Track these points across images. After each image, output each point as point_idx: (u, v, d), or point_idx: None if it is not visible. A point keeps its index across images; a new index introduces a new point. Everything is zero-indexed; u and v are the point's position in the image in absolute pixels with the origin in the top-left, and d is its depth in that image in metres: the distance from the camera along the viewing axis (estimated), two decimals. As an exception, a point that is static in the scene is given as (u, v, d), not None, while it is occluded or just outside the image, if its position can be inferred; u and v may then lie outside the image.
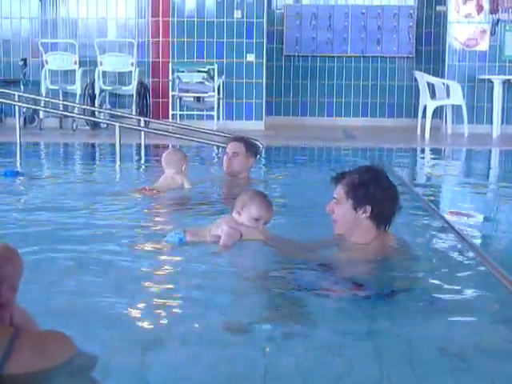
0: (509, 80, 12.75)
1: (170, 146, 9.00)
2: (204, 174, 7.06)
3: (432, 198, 6.50)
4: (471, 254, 4.16)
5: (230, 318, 3.10)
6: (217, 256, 3.95)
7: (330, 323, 3.05)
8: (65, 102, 12.26)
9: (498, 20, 12.87)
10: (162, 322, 3.11)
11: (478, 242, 4.62)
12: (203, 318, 3.07)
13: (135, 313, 3.17)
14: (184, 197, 5.91)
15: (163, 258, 4.09)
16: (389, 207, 3.88)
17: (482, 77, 12.82)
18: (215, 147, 9.34)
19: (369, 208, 3.84)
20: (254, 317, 3.08)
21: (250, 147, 6.41)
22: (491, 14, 12.89)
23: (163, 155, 6.29)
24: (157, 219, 5.28)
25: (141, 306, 3.26)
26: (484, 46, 12.96)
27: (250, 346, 2.82)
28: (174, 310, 3.25)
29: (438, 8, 14.07)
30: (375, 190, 3.83)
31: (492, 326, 3.10)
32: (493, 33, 12.92)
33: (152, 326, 3.05)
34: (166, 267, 3.92)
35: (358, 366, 2.63)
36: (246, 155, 6.32)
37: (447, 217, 5.30)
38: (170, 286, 3.56)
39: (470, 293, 3.52)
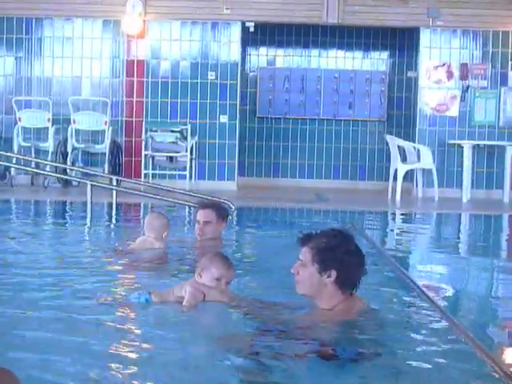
0: (478, 145, 12.93)
1: (150, 211, 8.91)
2: (176, 234, 7.04)
3: (402, 261, 6.51)
4: (440, 319, 4.16)
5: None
6: (180, 315, 3.97)
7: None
8: (37, 160, 12.22)
9: (468, 86, 13.10)
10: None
11: (447, 306, 4.61)
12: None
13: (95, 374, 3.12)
14: (157, 257, 5.88)
15: (130, 316, 4.06)
16: (355, 272, 3.87)
17: (452, 141, 12.99)
18: (187, 207, 9.33)
19: (334, 273, 3.82)
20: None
21: (221, 212, 6.43)
22: (461, 80, 13.12)
23: (147, 217, 6.20)
24: (128, 278, 5.24)
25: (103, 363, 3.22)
26: (454, 111, 13.16)
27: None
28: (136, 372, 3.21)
29: (409, 74, 14.33)
30: (343, 256, 3.82)
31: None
32: (463, 99, 13.13)
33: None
34: (131, 326, 3.89)
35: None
36: (218, 221, 6.34)
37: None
38: (137, 344, 3.53)
39: (437, 360, 3.50)
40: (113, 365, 3.21)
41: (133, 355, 3.43)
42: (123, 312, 4.14)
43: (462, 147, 12.68)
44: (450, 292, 5.40)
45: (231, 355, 3.40)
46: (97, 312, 4.04)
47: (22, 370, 2.90)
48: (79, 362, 3.20)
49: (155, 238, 5.94)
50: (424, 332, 3.92)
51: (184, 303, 4.09)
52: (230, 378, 3.16)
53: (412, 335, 3.87)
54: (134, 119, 13.26)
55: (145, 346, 3.58)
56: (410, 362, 3.40)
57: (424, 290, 4.86)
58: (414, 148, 12.74)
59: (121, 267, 5.60)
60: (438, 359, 3.48)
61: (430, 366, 3.36)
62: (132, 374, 3.18)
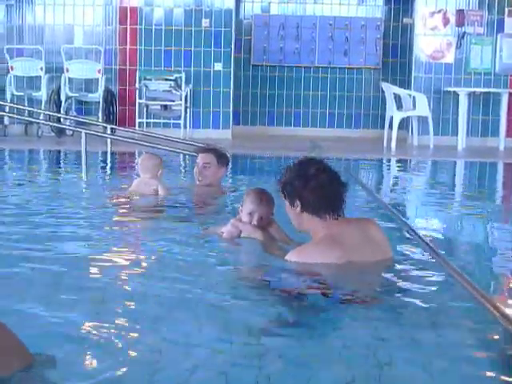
0: (474, 92, 12.87)
1: (140, 153, 8.95)
2: (172, 182, 7.03)
3: (398, 207, 6.52)
4: (435, 262, 4.18)
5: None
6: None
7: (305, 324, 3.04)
8: (30, 109, 12.15)
9: (464, 33, 13.00)
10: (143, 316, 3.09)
11: (443, 250, 4.63)
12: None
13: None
14: (158, 204, 5.89)
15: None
16: (318, 195, 3.87)
17: (448, 89, 12.94)
18: (182, 155, 9.30)
19: (298, 202, 3.91)
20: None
21: (221, 157, 6.44)
22: (457, 26, 13.02)
23: (139, 159, 6.29)
24: (131, 226, 5.24)
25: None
26: (450, 58, 13.08)
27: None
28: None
29: (405, 20, 14.20)
30: (299, 183, 3.89)
31: (457, 333, 3.11)
32: (458, 45, 13.04)
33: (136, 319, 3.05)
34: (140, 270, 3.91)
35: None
36: (217, 166, 6.35)
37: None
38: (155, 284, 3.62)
39: (431, 299, 3.52)
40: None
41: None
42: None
43: (458, 94, 12.64)
44: (446, 237, 5.43)
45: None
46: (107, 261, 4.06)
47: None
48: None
49: (150, 177, 6.07)
50: (419, 275, 3.94)
51: (223, 237, 4.39)
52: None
53: (405, 275, 3.89)
54: (127, 67, 13.16)
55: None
56: (406, 303, 3.43)
57: (420, 235, 4.87)
58: (410, 95, 12.70)
59: (118, 214, 5.59)
60: (432, 301, 3.50)
61: (425, 306, 3.39)
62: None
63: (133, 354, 2.75)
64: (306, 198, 3.88)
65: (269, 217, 4.41)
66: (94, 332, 2.89)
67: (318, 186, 3.88)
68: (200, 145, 8.52)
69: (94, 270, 3.89)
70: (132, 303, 3.33)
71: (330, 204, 3.90)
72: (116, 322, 3.05)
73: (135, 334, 2.94)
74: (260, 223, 4.36)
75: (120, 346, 2.79)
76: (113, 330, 2.92)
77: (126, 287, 3.61)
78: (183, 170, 8.89)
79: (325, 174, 3.92)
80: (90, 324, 2.98)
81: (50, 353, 2.58)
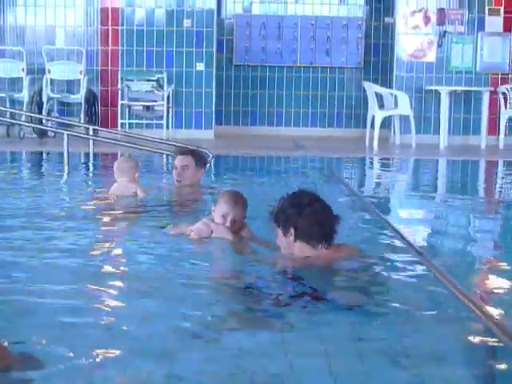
0: (455, 91, 12.93)
1: (120, 154, 8.95)
2: (154, 182, 7.03)
3: (380, 206, 6.55)
4: (418, 261, 4.20)
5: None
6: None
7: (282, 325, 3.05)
8: (12, 110, 12.08)
9: (445, 32, 13.05)
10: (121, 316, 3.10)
11: (426, 249, 4.65)
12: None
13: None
14: (137, 204, 5.90)
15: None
16: (312, 223, 3.94)
17: (430, 87, 12.98)
18: (164, 156, 9.30)
19: (292, 230, 3.95)
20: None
21: (199, 159, 6.46)
22: (438, 25, 13.07)
23: (115, 163, 6.27)
24: (111, 227, 5.25)
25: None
26: (431, 57, 13.13)
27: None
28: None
29: (386, 20, 14.24)
30: (293, 212, 3.94)
31: (439, 329, 3.13)
32: (440, 44, 13.09)
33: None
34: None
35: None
36: (196, 168, 6.37)
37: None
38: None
39: (416, 300, 3.54)
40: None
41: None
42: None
43: (440, 93, 12.68)
44: (428, 235, 5.46)
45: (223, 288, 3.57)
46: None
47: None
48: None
49: (128, 180, 6.07)
50: (404, 276, 3.96)
51: (191, 235, 4.31)
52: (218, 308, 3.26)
53: (393, 281, 3.90)
54: (109, 68, 13.12)
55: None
56: (393, 306, 3.44)
57: (403, 233, 4.89)
58: (392, 94, 12.73)
59: (99, 215, 5.59)
60: (418, 303, 3.51)
61: (410, 309, 3.40)
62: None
63: (111, 354, 2.77)
64: (300, 226, 3.93)
65: (242, 220, 4.38)
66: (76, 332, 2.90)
67: (312, 214, 3.94)
68: (180, 145, 8.53)
69: (72, 271, 3.89)
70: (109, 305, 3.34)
71: (323, 232, 3.96)
72: (93, 321, 3.06)
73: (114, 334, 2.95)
74: (233, 226, 4.33)
75: (100, 344, 2.80)
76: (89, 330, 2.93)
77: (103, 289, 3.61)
78: (165, 171, 8.88)
79: (318, 203, 4.01)
80: (73, 323, 2.99)
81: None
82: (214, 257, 4.27)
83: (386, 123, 12.90)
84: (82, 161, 9.76)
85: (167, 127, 12.89)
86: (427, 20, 13.08)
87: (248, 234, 4.37)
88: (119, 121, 12.87)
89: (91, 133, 10.53)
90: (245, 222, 4.42)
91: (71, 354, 2.69)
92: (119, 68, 13.04)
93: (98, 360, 2.69)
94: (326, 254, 3.94)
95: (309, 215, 3.93)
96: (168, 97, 12.88)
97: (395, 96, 12.64)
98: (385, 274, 3.98)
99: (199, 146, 8.45)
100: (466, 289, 3.56)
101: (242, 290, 3.57)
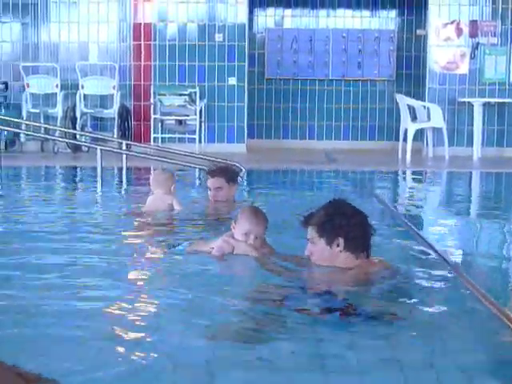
0: (489, 103, 12.85)
1: (153, 168, 8.98)
2: (187, 196, 7.05)
3: (414, 220, 6.51)
4: (454, 277, 4.17)
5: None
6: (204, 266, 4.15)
7: (313, 342, 3.04)
8: (46, 125, 12.22)
9: (478, 43, 12.99)
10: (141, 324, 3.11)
11: (461, 265, 4.61)
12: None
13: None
14: (173, 218, 5.91)
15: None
16: (360, 233, 3.90)
17: (463, 99, 12.91)
18: (197, 170, 9.33)
19: (341, 240, 3.87)
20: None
21: (231, 177, 6.47)
22: (470, 37, 13.01)
23: (151, 176, 6.29)
24: (147, 240, 5.26)
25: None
26: (464, 69, 13.06)
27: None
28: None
29: (418, 32, 14.21)
30: (341, 221, 3.87)
31: (476, 345, 3.10)
32: (472, 56, 13.03)
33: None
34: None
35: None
36: (229, 186, 6.39)
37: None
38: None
39: (452, 319, 3.50)
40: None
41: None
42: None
43: (473, 105, 12.61)
44: (463, 251, 5.40)
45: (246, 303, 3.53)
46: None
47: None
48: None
49: (164, 192, 6.06)
50: (439, 291, 3.93)
51: (212, 253, 4.24)
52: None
53: (428, 296, 3.87)
54: (142, 83, 13.21)
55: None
56: (427, 322, 3.41)
57: (437, 249, 4.85)
58: (424, 107, 12.68)
59: (134, 230, 5.61)
60: (452, 320, 3.48)
61: (444, 324, 3.37)
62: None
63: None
64: (351, 236, 3.87)
65: (262, 236, 4.32)
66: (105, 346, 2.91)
67: (360, 224, 3.91)
68: (211, 159, 8.54)
69: (107, 283, 3.91)
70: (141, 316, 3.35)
71: (367, 242, 3.94)
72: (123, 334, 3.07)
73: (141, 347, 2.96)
74: (255, 243, 4.26)
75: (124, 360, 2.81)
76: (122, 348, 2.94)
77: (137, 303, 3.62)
78: (198, 185, 8.90)
79: (362, 213, 3.98)
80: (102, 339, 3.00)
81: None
82: (244, 274, 4.23)
83: (419, 136, 12.84)
84: (116, 175, 9.81)
85: (199, 141, 12.94)
86: (459, 32, 13.02)
87: (270, 250, 4.33)
88: (152, 135, 12.95)
89: (124, 147, 10.59)
90: (265, 237, 4.38)
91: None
92: (152, 83, 13.13)
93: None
94: (365, 266, 3.91)
95: (358, 225, 3.89)
96: (200, 111, 12.94)
97: (428, 108, 12.59)
98: (419, 287, 3.95)
99: (230, 160, 8.48)
100: (503, 306, 3.52)
101: (274, 302, 3.54)
